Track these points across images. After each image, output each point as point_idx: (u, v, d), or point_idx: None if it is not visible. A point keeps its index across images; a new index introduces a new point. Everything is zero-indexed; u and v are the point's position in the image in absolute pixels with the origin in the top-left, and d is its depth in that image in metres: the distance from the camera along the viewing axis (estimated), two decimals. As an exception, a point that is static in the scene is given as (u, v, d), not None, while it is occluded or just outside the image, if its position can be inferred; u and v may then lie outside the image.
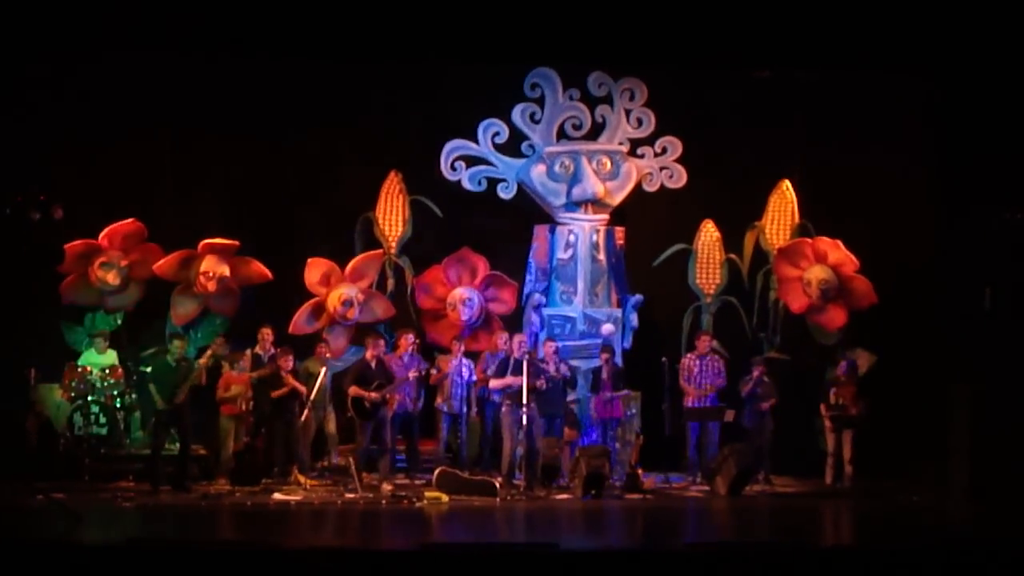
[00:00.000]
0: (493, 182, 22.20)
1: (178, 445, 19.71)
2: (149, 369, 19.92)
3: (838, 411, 20.70)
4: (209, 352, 19.97)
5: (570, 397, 21.02)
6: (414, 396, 20.76)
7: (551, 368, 20.37)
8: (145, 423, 20.59)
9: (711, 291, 22.75)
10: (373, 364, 19.91)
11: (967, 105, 21.33)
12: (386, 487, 19.54)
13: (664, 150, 22.44)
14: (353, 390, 19.68)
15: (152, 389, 19.53)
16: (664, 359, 21.20)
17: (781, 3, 20.72)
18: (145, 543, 15.24)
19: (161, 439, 19.61)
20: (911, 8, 20.67)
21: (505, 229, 22.40)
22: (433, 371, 21.00)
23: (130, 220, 21.37)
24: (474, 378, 20.92)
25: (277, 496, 19.07)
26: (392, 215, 22.30)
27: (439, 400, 21.04)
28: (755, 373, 21.13)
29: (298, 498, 19.02)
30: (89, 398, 20.45)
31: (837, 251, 22.10)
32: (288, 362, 20.16)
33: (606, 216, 22.24)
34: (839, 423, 20.68)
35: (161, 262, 21.32)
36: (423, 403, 21.04)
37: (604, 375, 21.03)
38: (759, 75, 22.54)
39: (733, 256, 22.81)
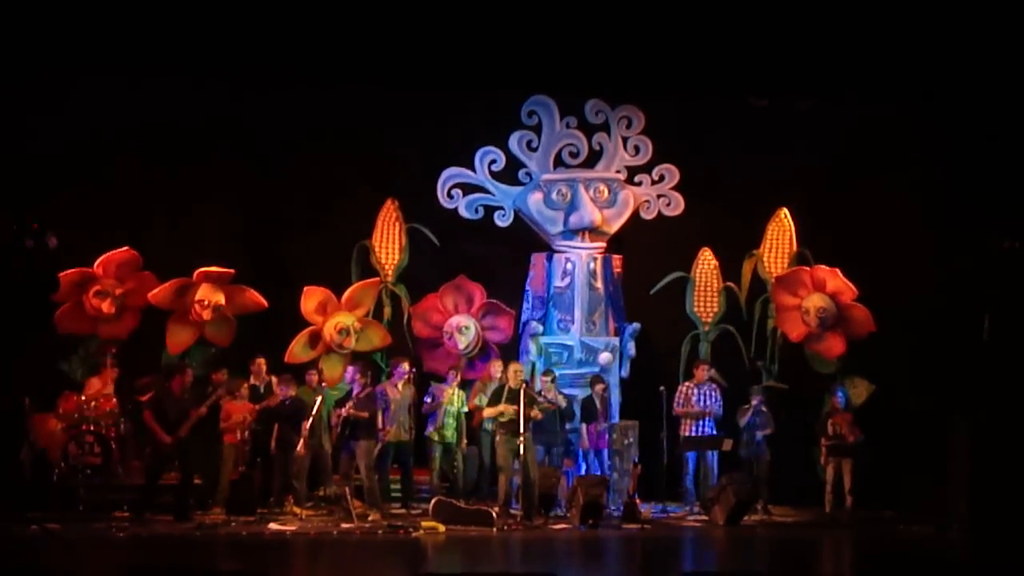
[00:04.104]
0: (490, 210, 22.18)
1: (180, 475, 19.63)
2: (148, 398, 19.85)
3: (835, 440, 20.61)
4: (219, 393, 19.86)
5: (567, 427, 20.93)
6: (409, 426, 20.65)
7: (549, 397, 20.29)
8: (141, 452, 20.47)
9: (709, 319, 22.68)
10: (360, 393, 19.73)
11: (965, 134, 21.32)
12: (372, 516, 19.40)
13: (661, 178, 22.43)
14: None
15: (149, 419, 19.43)
16: (662, 388, 21.12)
17: (779, 32, 20.72)
18: (139, 573, 15.12)
19: (158, 471, 19.52)
20: (908, 39, 20.68)
21: (502, 257, 22.37)
22: (427, 400, 20.94)
23: (125, 248, 21.32)
24: (466, 408, 20.83)
25: (273, 526, 18.96)
26: (389, 243, 22.25)
27: (430, 429, 20.92)
28: (753, 402, 21.05)
29: (294, 528, 18.91)
30: (83, 427, 20.33)
31: (835, 279, 22.04)
32: (290, 391, 20.08)
33: (603, 244, 22.21)
34: (836, 452, 20.58)
35: (156, 290, 21.26)
36: (415, 432, 20.90)
37: (597, 405, 20.96)
38: (757, 103, 22.53)
39: (731, 284, 22.75)
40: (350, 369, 20.27)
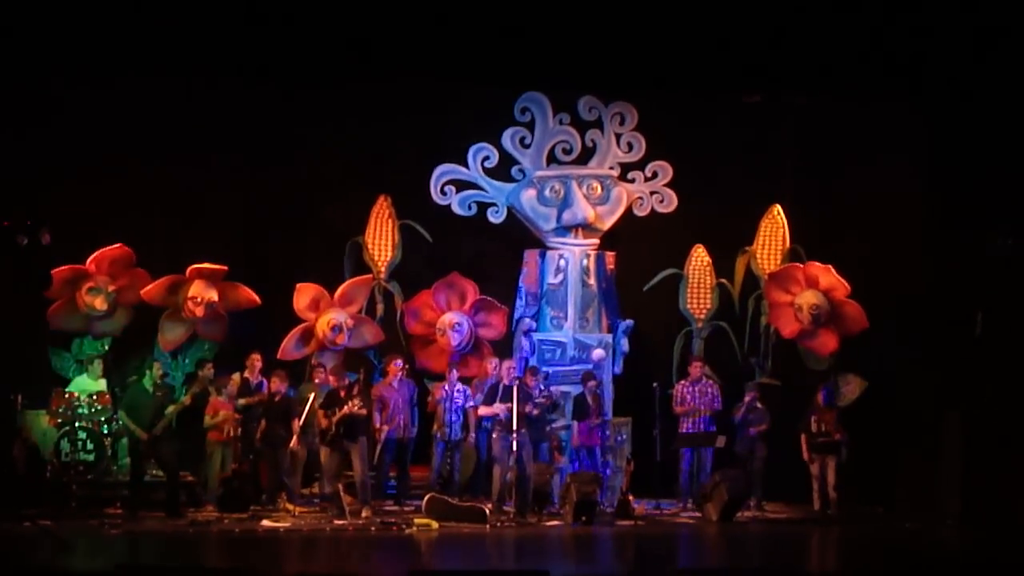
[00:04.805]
0: (483, 206, 22.15)
1: (163, 472, 19.61)
2: (123, 397, 19.88)
3: (822, 437, 20.54)
4: (196, 387, 19.88)
5: (558, 423, 20.92)
6: (407, 423, 20.65)
7: (536, 394, 20.26)
8: (131, 450, 20.46)
9: (702, 316, 22.67)
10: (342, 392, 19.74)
11: (958, 130, 21.30)
12: (365, 513, 19.38)
13: (654, 174, 22.40)
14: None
15: (124, 417, 19.44)
16: (655, 384, 21.10)
17: (772, 29, 20.71)
18: (132, 570, 15.11)
19: (140, 468, 19.53)
20: (901, 36, 20.68)
21: (495, 254, 22.34)
22: (428, 399, 20.94)
23: (117, 245, 21.27)
24: (469, 404, 20.79)
25: (265, 523, 18.95)
26: (381, 240, 22.22)
27: (435, 427, 20.86)
28: (747, 399, 21.05)
29: (287, 525, 18.90)
30: (76, 424, 20.32)
31: (828, 276, 22.02)
32: (283, 387, 20.06)
33: (596, 241, 22.19)
34: (820, 449, 20.53)
35: (149, 287, 21.22)
36: (417, 430, 20.89)
37: (590, 401, 20.94)
38: (750, 100, 22.52)
39: (724, 281, 22.73)
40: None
